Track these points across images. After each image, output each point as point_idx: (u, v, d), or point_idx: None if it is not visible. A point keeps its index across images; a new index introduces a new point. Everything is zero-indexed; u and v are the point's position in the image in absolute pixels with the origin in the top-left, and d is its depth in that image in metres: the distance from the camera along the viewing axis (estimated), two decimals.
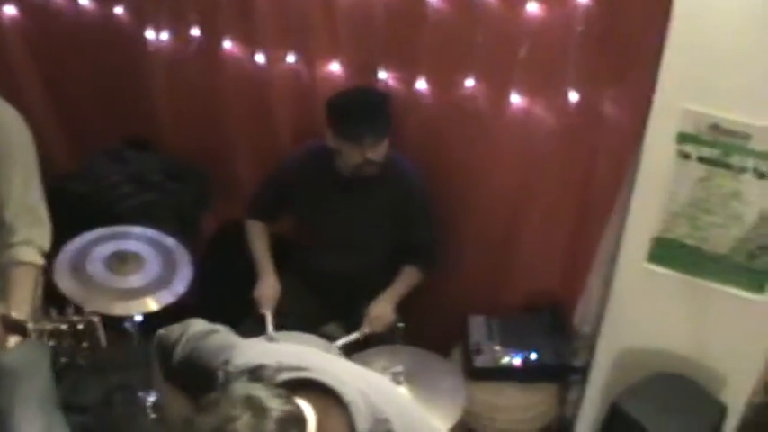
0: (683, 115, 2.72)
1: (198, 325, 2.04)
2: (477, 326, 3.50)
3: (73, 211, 3.59)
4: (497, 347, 3.41)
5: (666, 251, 2.94)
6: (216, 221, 4.01)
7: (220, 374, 1.83)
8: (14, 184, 2.61)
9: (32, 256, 2.65)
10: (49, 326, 2.40)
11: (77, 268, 3.11)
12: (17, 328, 2.44)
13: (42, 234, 2.70)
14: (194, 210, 3.91)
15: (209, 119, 3.85)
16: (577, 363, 3.49)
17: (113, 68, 3.90)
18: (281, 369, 1.77)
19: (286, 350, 1.94)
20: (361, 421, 1.68)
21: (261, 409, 1.54)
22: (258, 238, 3.54)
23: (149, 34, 3.73)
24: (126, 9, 3.78)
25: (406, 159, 3.40)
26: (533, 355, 3.37)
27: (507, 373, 3.38)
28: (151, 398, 3.46)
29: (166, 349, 2.03)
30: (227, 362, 1.85)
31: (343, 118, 3.19)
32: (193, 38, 3.68)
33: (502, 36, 3.03)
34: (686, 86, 2.69)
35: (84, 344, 2.41)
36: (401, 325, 2.94)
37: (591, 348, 3.37)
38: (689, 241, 2.90)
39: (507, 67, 3.08)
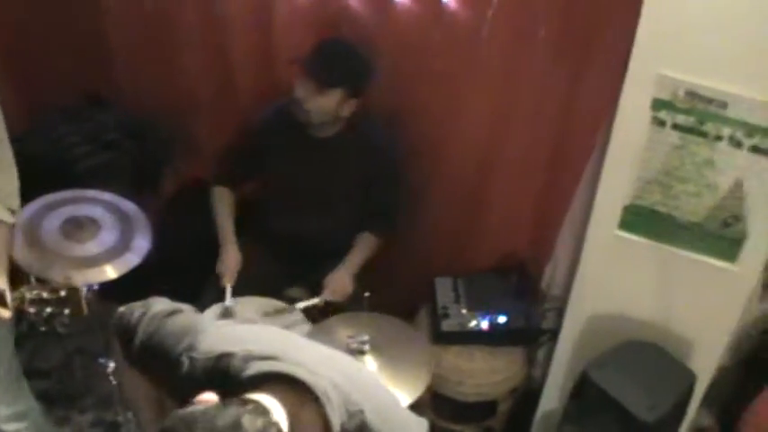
0: (659, 81, 2.64)
1: (160, 304, 1.93)
2: (444, 288, 3.47)
3: (27, 172, 3.48)
4: (464, 311, 3.37)
5: (638, 218, 2.89)
6: (177, 181, 3.89)
7: (185, 361, 1.75)
8: None
9: (1, 213, 2.51)
10: (29, 294, 2.31)
11: (31, 236, 2.97)
12: None
13: (8, 191, 2.57)
14: (154, 169, 3.78)
15: (168, 74, 3.70)
16: (546, 326, 3.46)
17: (67, 19, 3.73)
18: (249, 359, 1.68)
19: (254, 336, 1.81)
20: (335, 415, 1.61)
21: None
22: (223, 207, 3.44)
23: None
24: None
25: (376, 121, 3.33)
26: (501, 319, 3.34)
27: (475, 337, 3.34)
28: (111, 363, 3.38)
29: (127, 331, 1.90)
30: (191, 347, 1.76)
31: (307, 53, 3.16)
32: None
33: None
34: (662, 51, 2.61)
35: (66, 311, 2.34)
36: (367, 294, 2.88)
37: (560, 312, 3.34)
38: (661, 209, 2.84)
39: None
